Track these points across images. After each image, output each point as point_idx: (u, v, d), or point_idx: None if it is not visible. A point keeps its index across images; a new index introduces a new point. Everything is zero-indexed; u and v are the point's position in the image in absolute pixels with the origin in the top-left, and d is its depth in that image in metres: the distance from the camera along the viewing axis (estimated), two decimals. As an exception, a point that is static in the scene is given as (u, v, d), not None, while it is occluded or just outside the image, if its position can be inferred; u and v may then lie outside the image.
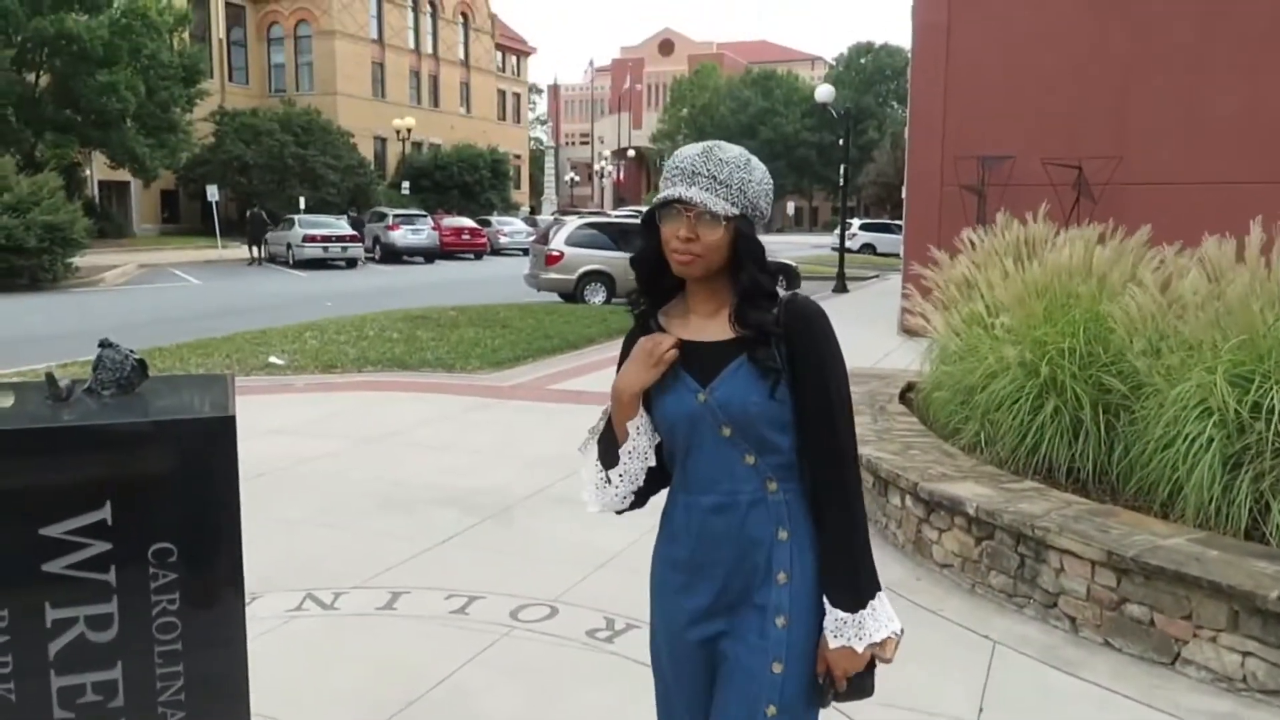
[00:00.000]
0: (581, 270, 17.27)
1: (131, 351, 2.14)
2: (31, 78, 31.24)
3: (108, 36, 29.22)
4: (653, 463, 1.84)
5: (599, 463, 1.87)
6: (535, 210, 59.49)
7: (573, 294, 17.22)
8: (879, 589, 1.78)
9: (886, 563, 4.61)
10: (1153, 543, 3.72)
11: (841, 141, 26.58)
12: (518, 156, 62.83)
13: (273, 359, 10.40)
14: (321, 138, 40.34)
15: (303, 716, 3.16)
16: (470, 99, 58.61)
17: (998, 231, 6.71)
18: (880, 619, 1.76)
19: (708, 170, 1.71)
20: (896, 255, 28.10)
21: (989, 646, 3.78)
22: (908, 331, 10.05)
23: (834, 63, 75.17)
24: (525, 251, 26.60)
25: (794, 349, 1.73)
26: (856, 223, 41.28)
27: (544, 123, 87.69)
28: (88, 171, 36.73)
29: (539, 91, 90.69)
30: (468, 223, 35.01)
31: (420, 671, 3.48)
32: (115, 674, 1.93)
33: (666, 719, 1.96)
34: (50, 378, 2.06)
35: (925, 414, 6.17)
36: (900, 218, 18.20)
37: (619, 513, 1.97)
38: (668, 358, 1.75)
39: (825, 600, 1.75)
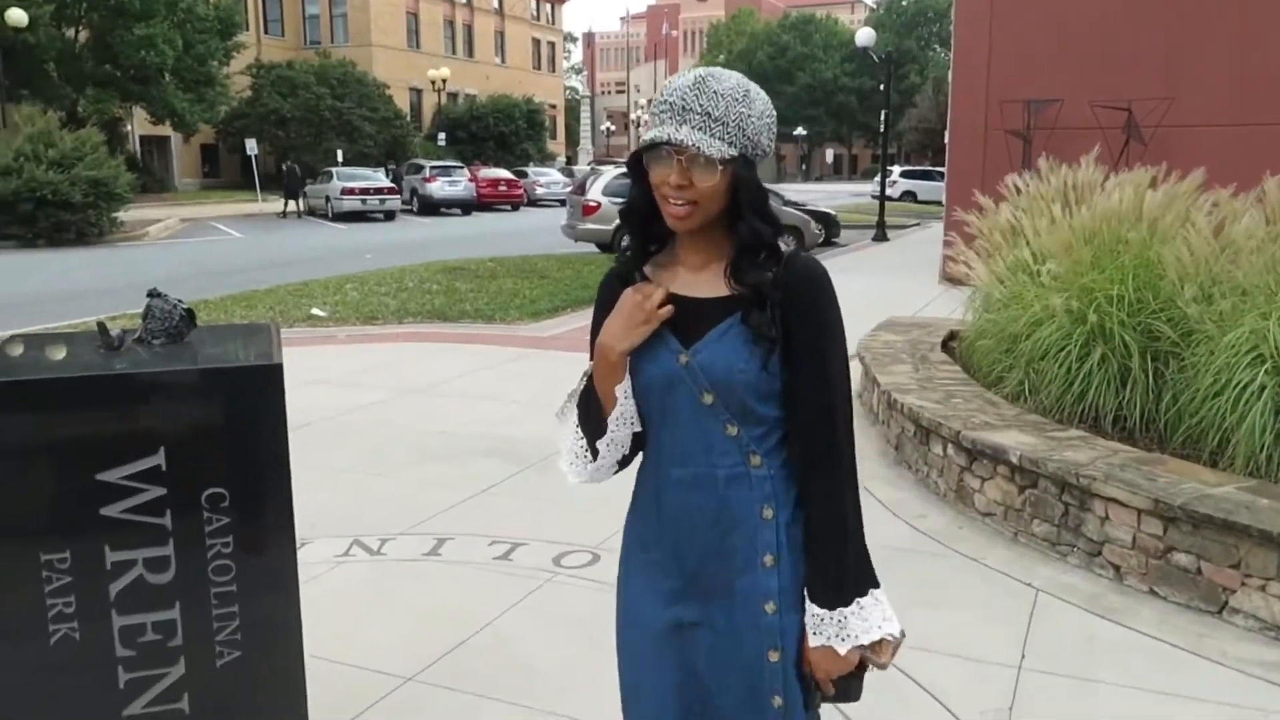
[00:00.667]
0: (618, 221, 17.14)
1: (180, 301, 2.16)
2: (71, 33, 31.45)
3: (145, -11, 29.27)
4: (639, 428, 1.63)
5: (579, 430, 1.66)
6: (571, 161, 59.23)
7: (610, 244, 17.15)
8: (872, 586, 1.60)
9: (928, 511, 4.61)
10: (1201, 491, 3.67)
11: (882, 87, 26.07)
12: (553, 106, 62.37)
13: (315, 311, 10.51)
14: (357, 90, 40.29)
15: (352, 658, 3.24)
16: (505, 48, 58.12)
17: (1044, 176, 6.56)
18: (870, 619, 1.57)
19: (701, 105, 1.46)
20: (938, 203, 27.65)
21: (1031, 594, 3.77)
22: (950, 279, 9.92)
23: (875, 5, 73.52)
24: (562, 202, 26.52)
25: (791, 315, 1.53)
26: (897, 170, 40.62)
27: (579, 72, 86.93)
28: (129, 126, 37.06)
29: (574, 40, 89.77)
30: (504, 174, 34.93)
31: (465, 616, 3.55)
32: (174, 614, 1.98)
33: (635, 715, 1.74)
34: (102, 327, 2.10)
35: (968, 363, 6.10)
36: (942, 164, 17.88)
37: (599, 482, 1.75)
38: (660, 314, 1.54)
39: (805, 593, 1.58)
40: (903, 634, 1.62)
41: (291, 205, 28.99)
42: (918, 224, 25.30)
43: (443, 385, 7.34)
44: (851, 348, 7.07)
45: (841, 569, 1.56)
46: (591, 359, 1.64)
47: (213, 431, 1.97)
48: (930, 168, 41.03)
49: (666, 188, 1.49)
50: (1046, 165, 6.63)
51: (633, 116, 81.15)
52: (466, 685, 3.09)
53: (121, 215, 21.29)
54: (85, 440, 1.90)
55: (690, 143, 1.45)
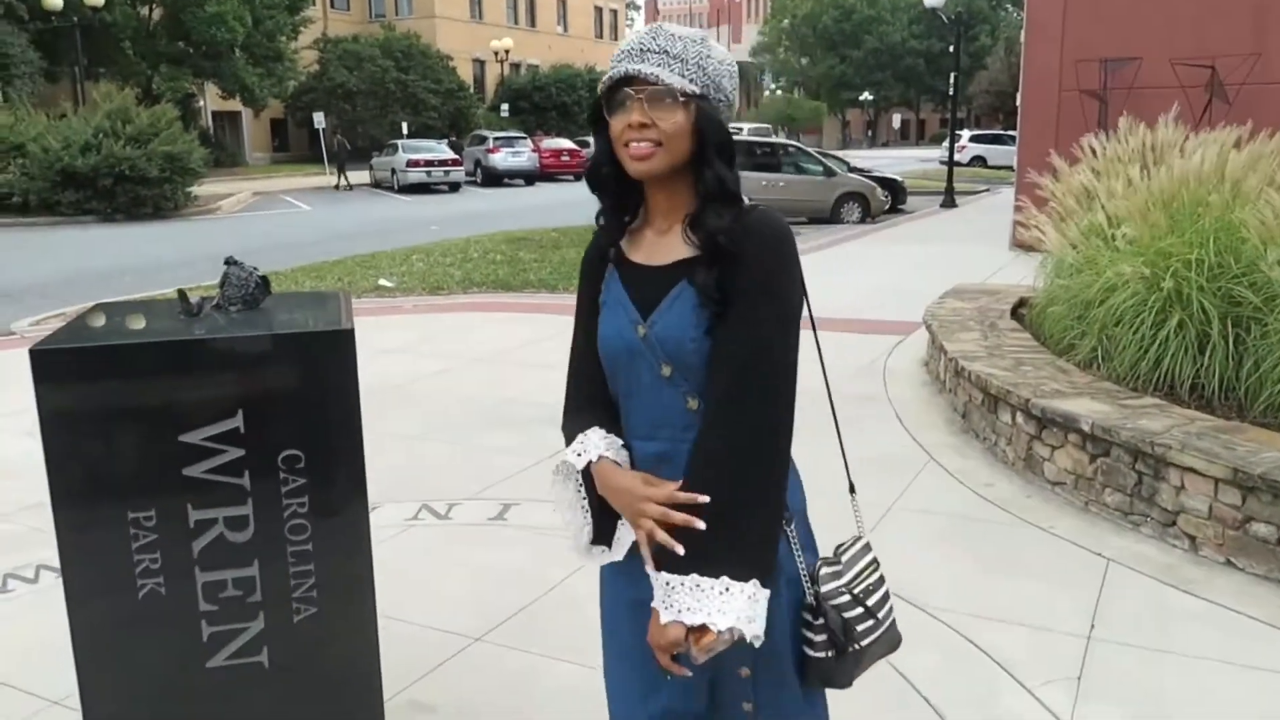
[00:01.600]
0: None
1: (255, 269, 2.22)
2: (145, 11, 32.17)
3: (215, -33, 29.79)
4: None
5: (588, 518, 1.58)
6: (633, 130, 58.79)
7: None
8: (744, 579, 1.38)
9: (995, 480, 4.54)
10: (1283, 461, 3.56)
11: (951, 49, 25.42)
12: (615, 75, 61.88)
13: (382, 281, 10.69)
14: (421, 62, 40.59)
15: (422, 618, 3.32)
16: (567, 17, 57.88)
17: (1120, 138, 6.36)
18: (707, 603, 1.36)
19: (659, 45, 1.44)
20: (1008, 168, 26.94)
21: (1102, 565, 3.70)
22: (1020, 246, 9.70)
23: (944, -35, 71.35)
24: (624, 172, 26.39)
25: (736, 270, 1.41)
26: (966, 134, 39.62)
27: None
28: (201, 102, 37.88)
29: (636, 7, 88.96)
30: (567, 144, 34.92)
31: (532, 578, 3.61)
32: (253, 571, 2.05)
33: (610, 691, 1.67)
34: (182, 295, 2.17)
35: (1038, 330, 5.98)
36: (1013, 128, 17.40)
37: None
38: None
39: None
40: (751, 640, 1.39)
41: (343, 179, 29.34)
42: (987, 190, 24.72)
43: (507, 354, 7.42)
44: (917, 314, 7.00)
45: (709, 538, 1.39)
46: (575, 328, 1.63)
47: (288, 395, 2.03)
48: (1001, 131, 39.96)
49: (629, 131, 1.43)
50: (1125, 125, 6.42)
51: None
52: (533, 646, 3.15)
53: (195, 189, 21.81)
54: (168, 403, 1.97)
55: (649, 74, 1.41)
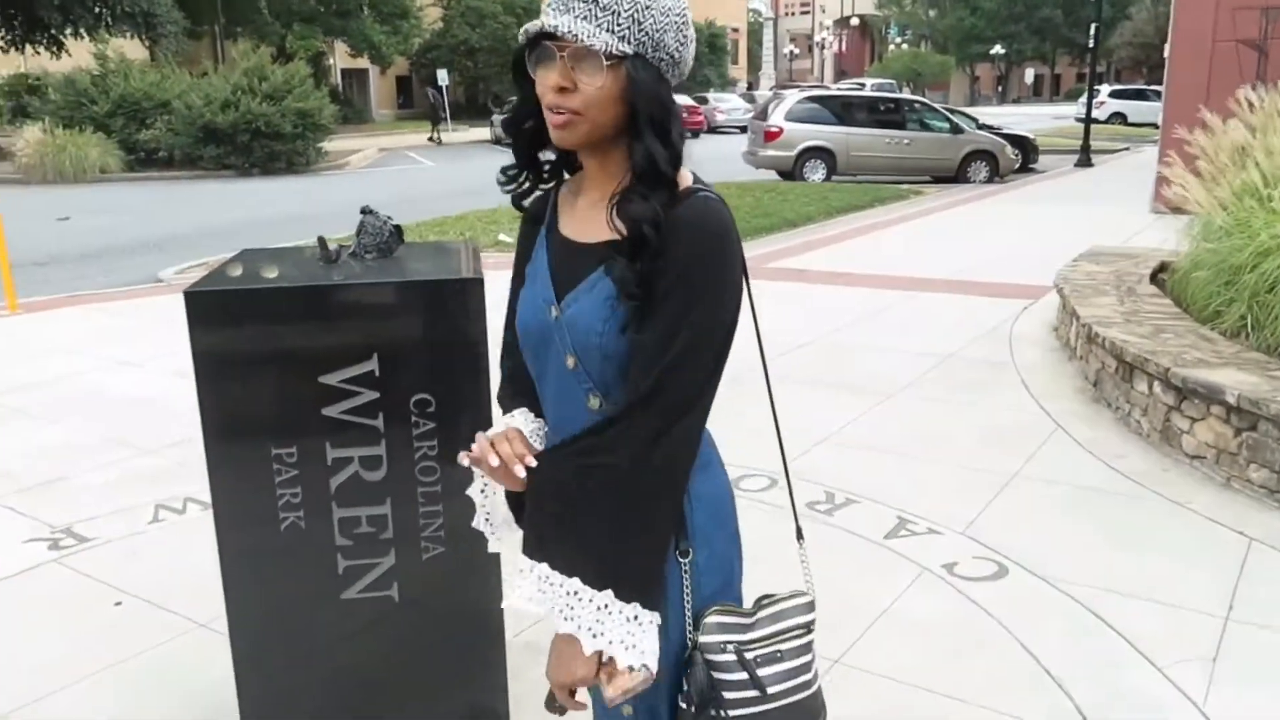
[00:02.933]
0: (801, 146, 16.80)
1: (389, 218, 2.28)
2: (281, -30, 33.18)
3: (346, -74, 30.48)
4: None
5: (506, 503, 1.45)
6: (752, 86, 58.02)
7: (791, 171, 16.82)
8: (634, 598, 1.23)
9: (1128, 452, 4.36)
10: None
11: (1093, -2, 24.04)
12: (735, 30, 61.07)
13: (502, 236, 10.86)
14: (542, 18, 40.76)
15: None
16: (688, -29, 57.08)
17: (1282, 91, 5.92)
18: (613, 626, 1.23)
19: None
20: (1151, 125, 25.50)
21: (1244, 544, 3.51)
22: (1163, 207, 9.18)
23: (1088, -91, 67.50)
24: (742, 129, 26.08)
25: (662, 265, 1.22)
26: (1105, 89, 37.61)
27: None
28: (331, 60, 39.00)
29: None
30: (684, 100, 34.65)
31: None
32: (385, 509, 2.14)
33: None
34: (322, 242, 2.25)
35: (1180, 296, 5.67)
36: (1157, 83, 16.39)
37: None
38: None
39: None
40: (646, 673, 1.24)
41: (436, 133, 29.79)
42: (1127, 148, 23.46)
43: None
44: (1047, 278, 6.72)
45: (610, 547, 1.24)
46: (509, 310, 1.45)
47: (419, 341, 2.09)
48: (1144, 86, 37.79)
49: (550, 93, 1.24)
50: (1286, 78, 5.98)
51: (817, 39, 78.48)
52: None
53: (325, 145, 22.53)
54: (309, 345, 2.06)
55: (566, 32, 1.20)
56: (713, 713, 1.32)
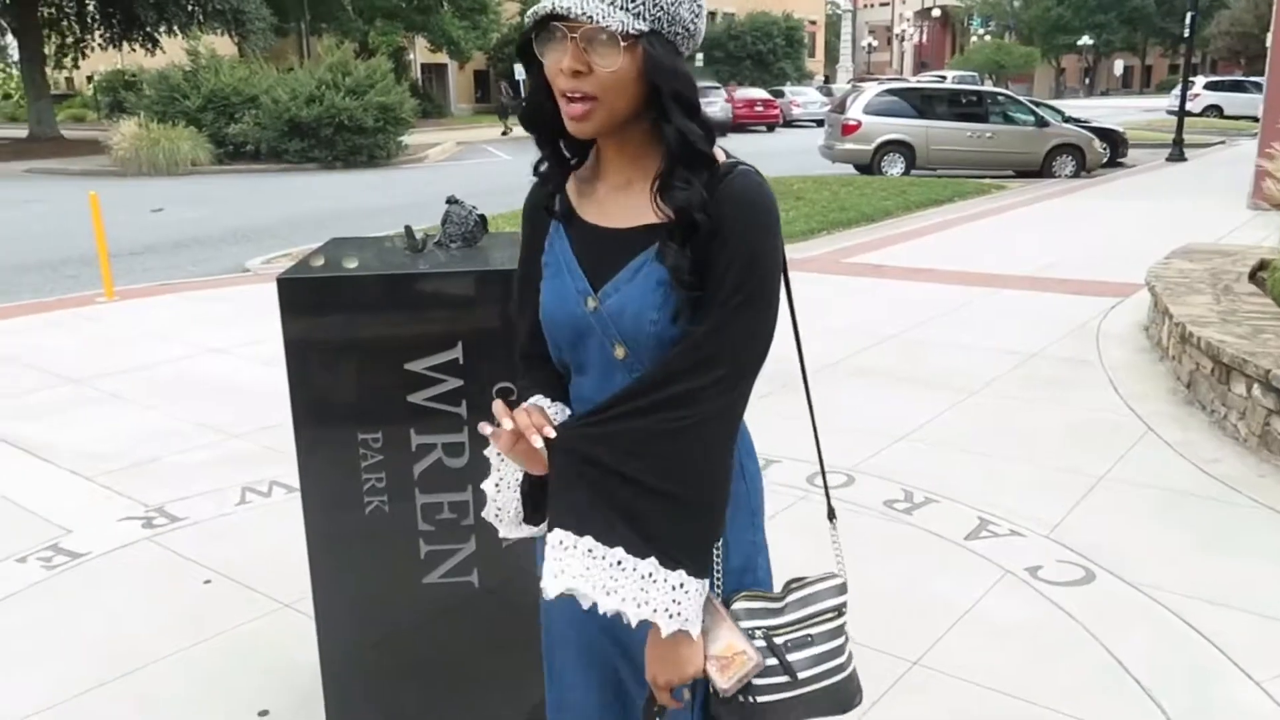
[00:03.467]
0: (879, 140, 16.55)
1: (474, 208, 2.31)
2: (364, -32, 33.86)
3: (428, -78, 30.99)
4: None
5: (519, 498, 1.40)
6: (829, 79, 57.34)
7: (869, 165, 16.59)
8: (680, 565, 1.21)
9: (1223, 456, 4.20)
10: None
11: (1189, -14, 23.17)
12: (813, 23, 60.42)
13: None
14: (619, 12, 40.86)
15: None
16: (765, -37, 56.71)
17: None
18: (658, 594, 1.20)
19: None
20: (1250, 118, 24.52)
21: (1348, 554, 3.36)
22: (1263, 202, 8.82)
23: (1184, -107, 65.09)
24: (819, 123, 25.82)
25: (713, 246, 1.19)
26: (1200, 81, 36.24)
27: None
28: (411, 55, 39.68)
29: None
30: (761, 94, 34.40)
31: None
32: (466, 496, 2.16)
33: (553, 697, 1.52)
34: (409, 231, 2.28)
35: (1281, 295, 5.44)
36: (1257, 74, 15.71)
37: None
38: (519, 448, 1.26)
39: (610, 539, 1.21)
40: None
41: (505, 127, 30.05)
42: (1222, 142, 22.60)
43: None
44: (1138, 275, 6.51)
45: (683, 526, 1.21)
46: (516, 299, 1.41)
47: (504, 329, 2.11)
48: (1242, 78, 36.31)
49: (561, 79, 1.18)
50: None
51: (897, 30, 77.20)
52: (722, 590, 3.18)
53: (406, 139, 22.92)
54: (395, 332, 2.09)
55: (580, 11, 1.13)
56: (741, 699, 1.29)
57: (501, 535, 1.43)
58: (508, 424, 1.23)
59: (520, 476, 1.38)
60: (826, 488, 1.61)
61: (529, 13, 1.19)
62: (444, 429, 2.12)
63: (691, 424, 1.19)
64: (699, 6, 1.22)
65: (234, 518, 3.79)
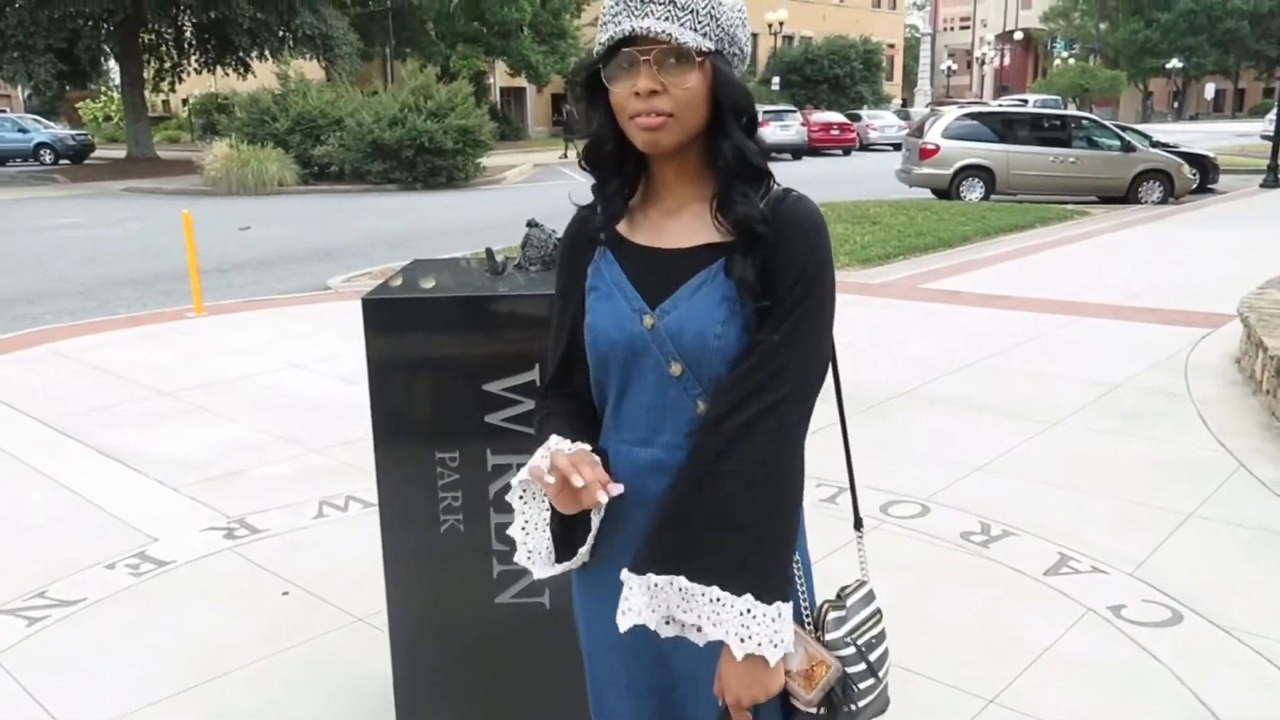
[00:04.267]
0: (958, 164, 16.30)
1: (554, 231, 2.33)
2: (447, -6, 34.73)
3: (510, -50, 31.66)
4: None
5: (550, 537, 1.38)
6: (907, 103, 56.79)
7: (947, 190, 16.35)
8: (776, 597, 1.24)
9: (1322, 496, 4.01)
10: None
11: (1286, 7, 22.39)
12: (891, 46, 59.96)
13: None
14: (695, 36, 41.10)
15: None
16: (844, -13, 56.57)
17: None
18: (759, 629, 1.22)
19: None
20: (1350, 143, 23.51)
21: None
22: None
23: (1282, -89, 63.11)
24: (896, 147, 25.57)
25: (774, 261, 1.24)
26: (1297, 105, 34.97)
27: (921, 7, 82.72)
28: (491, 79, 40.46)
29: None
30: (837, 118, 34.21)
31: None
32: (540, 517, 2.18)
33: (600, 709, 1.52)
34: (489, 253, 2.32)
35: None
36: (1361, 96, 15.08)
37: None
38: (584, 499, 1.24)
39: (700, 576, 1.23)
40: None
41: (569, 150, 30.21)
42: (1321, 168, 21.72)
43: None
44: (1231, 306, 6.28)
45: (761, 550, 1.23)
46: (552, 331, 1.42)
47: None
48: (1342, 102, 34.92)
49: (635, 100, 1.22)
50: None
51: (977, 54, 76.20)
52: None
53: (484, 161, 23.33)
54: (475, 353, 2.13)
55: (660, 31, 1.19)
56: (847, 709, 1.33)
57: (536, 576, 1.43)
58: (578, 481, 1.22)
59: (547, 517, 1.38)
60: (854, 496, 1.67)
61: (605, 39, 1.23)
62: (519, 449, 2.14)
63: (769, 453, 1.24)
64: (749, 30, 1.30)
65: (312, 531, 3.88)
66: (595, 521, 1.34)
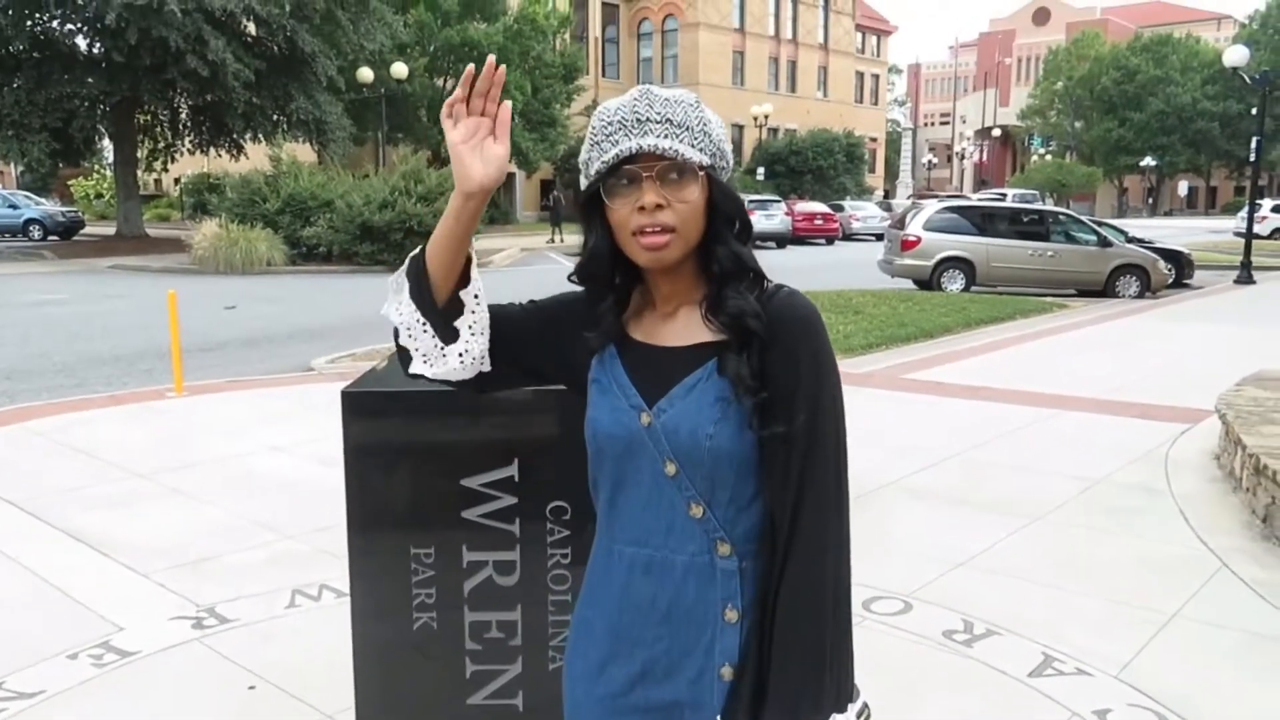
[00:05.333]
0: (939, 256, 16.59)
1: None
2: (440, 82, 35.52)
3: (502, 41, 32.54)
4: (487, 366, 1.40)
5: (425, 324, 1.38)
6: (889, 194, 58.05)
7: (929, 281, 16.60)
8: (854, 699, 1.29)
9: (1305, 597, 3.99)
10: None
11: (1255, 111, 23.22)
12: (873, 139, 61.55)
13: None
14: (683, 127, 42.08)
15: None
16: (827, 82, 58.26)
17: None
18: None
19: (658, 113, 1.25)
20: (1320, 241, 24.11)
21: None
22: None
23: (1247, 21, 65.84)
24: (878, 237, 26.03)
25: (774, 356, 1.26)
26: (1268, 203, 35.94)
27: (902, 104, 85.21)
28: (481, 164, 41.10)
29: (898, 72, 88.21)
30: (820, 208, 34.90)
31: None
32: (515, 615, 2.14)
33: None
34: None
35: (1361, 428, 5.24)
36: (1328, 198, 15.48)
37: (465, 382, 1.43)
38: (487, 115, 1.30)
39: (769, 707, 1.26)
40: None
41: (557, 234, 30.64)
42: (1292, 265, 22.22)
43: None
44: (1209, 402, 6.34)
45: (820, 671, 1.25)
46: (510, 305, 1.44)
47: (560, 447, 2.11)
48: (1311, 201, 35.92)
49: (638, 215, 1.24)
50: None
51: (957, 149, 78.20)
52: None
53: (472, 244, 23.55)
54: (454, 447, 2.11)
55: (664, 148, 1.23)
56: None
57: (431, 375, 1.41)
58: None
59: (419, 317, 1.39)
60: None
61: (607, 157, 1.25)
62: (497, 546, 2.11)
63: (837, 557, 1.28)
64: (730, 143, 1.34)
65: (283, 621, 3.79)
66: (465, 330, 1.37)
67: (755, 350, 1.25)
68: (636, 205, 1.24)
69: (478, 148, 1.32)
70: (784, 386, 1.25)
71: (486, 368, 1.40)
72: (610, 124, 1.26)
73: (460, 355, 1.37)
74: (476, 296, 1.38)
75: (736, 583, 1.29)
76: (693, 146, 1.25)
